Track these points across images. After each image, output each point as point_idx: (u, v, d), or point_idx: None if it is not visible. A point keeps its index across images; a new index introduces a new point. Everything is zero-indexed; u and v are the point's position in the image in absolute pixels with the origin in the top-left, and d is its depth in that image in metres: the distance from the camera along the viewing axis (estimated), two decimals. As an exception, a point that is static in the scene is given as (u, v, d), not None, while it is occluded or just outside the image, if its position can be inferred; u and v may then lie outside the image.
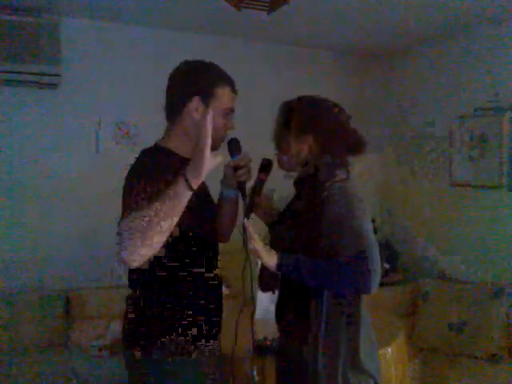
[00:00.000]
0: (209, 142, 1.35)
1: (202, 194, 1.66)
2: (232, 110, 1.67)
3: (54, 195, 3.42)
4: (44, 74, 3.21)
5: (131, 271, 1.65)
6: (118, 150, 3.58)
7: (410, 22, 3.54)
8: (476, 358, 3.13)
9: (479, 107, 3.63)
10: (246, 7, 2.46)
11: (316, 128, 1.63)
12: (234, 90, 1.67)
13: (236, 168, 1.67)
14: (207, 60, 1.69)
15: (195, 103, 1.60)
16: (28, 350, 3.09)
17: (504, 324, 3.15)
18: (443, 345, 3.28)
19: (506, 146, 3.46)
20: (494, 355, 3.09)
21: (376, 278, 1.45)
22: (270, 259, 1.54)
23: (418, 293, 3.59)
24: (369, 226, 1.51)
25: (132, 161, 1.69)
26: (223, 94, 1.62)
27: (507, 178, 3.46)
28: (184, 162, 1.58)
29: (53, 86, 3.30)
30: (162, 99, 1.83)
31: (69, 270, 3.44)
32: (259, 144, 3.83)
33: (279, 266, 1.53)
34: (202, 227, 1.67)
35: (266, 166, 1.75)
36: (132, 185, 1.50)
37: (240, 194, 1.72)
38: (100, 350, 3.06)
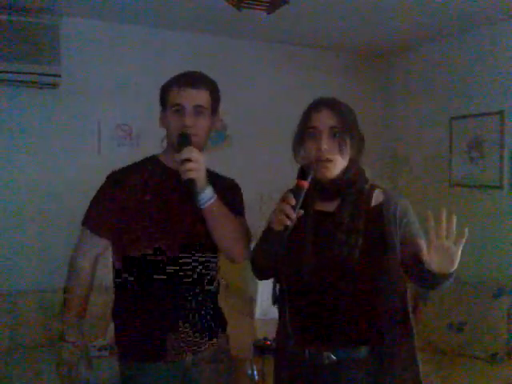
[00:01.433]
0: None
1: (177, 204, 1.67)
2: (179, 105, 1.62)
3: (54, 195, 3.42)
4: (44, 74, 3.20)
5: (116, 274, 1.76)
6: (120, 152, 3.57)
7: (410, 22, 3.54)
8: (476, 358, 3.13)
9: (479, 107, 3.64)
10: (246, 7, 2.47)
11: (355, 132, 1.57)
12: (179, 87, 1.63)
13: (181, 163, 1.54)
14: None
15: (160, 113, 1.73)
16: (28, 350, 3.10)
17: (504, 324, 3.14)
18: (443, 345, 3.28)
19: (506, 146, 3.46)
20: (494, 355, 3.09)
21: None
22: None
23: (418, 293, 3.59)
24: None
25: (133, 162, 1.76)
26: (170, 94, 1.66)
27: (507, 177, 3.46)
28: (171, 174, 1.66)
29: (53, 86, 3.30)
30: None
31: (69, 269, 3.44)
32: (259, 143, 3.86)
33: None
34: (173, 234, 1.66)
35: (305, 173, 1.48)
36: (99, 199, 1.73)
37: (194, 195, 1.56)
38: (100, 349, 3.06)
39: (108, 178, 1.74)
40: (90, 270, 1.74)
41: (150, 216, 1.63)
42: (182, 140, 1.58)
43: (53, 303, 3.24)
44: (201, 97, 1.63)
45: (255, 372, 2.13)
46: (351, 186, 1.56)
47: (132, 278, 1.67)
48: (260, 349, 2.21)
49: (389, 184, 4.48)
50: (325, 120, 1.53)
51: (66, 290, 1.74)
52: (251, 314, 2.72)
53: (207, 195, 1.56)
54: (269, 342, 2.24)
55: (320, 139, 1.52)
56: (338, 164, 1.54)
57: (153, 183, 1.67)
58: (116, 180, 1.71)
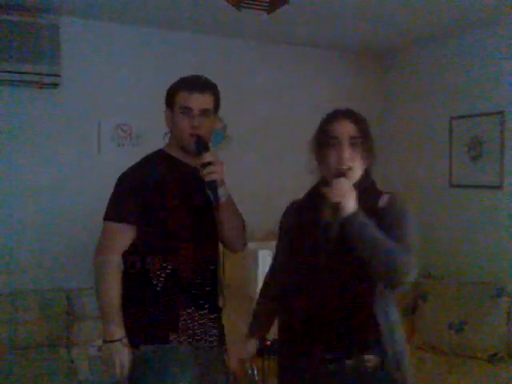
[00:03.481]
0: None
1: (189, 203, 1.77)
2: (188, 109, 1.76)
3: (54, 195, 3.42)
4: (44, 74, 3.21)
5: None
6: (120, 152, 3.56)
7: (410, 22, 3.54)
8: (476, 358, 3.13)
9: (479, 107, 3.64)
10: (246, 7, 2.46)
11: (370, 141, 1.70)
12: (190, 91, 1.76)
13: (203, 166, 1.71)
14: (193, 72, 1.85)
15: (166, 113, 1.86)
16: (28, 350, 3.09)
17: (504, 324, 3.15)
18: (443, 345, 3.28)
19: (506, 147, 3.46)
20: (494, 355, 3.10)
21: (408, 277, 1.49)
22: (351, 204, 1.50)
23: (418, 293, 3.59)
24: None
25: (133, 162, 1.78)
26: (179, 96, 1.79)
27: (507, 178, 3.46)
28: (180, 165, 1.82)
29: (53, 85, 3.30)
30: (163, 99, 1.88)
31: (69, 269, 3.44)
32: (259, 143, 3.86)
33: (351, 216, 1.49)
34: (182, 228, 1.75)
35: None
36: (120, 193, 1.77)
37: (211, 194, 1.73)
38: (100, 349, 3.06)
39: (124, 175, 1.80)
40: (120, 262, 1.75)
41: (173, 210, 1.73)
42: (200, 145, 1.74)
43: (53, 303, 3.25)
44: (206, 101, 1.79)
45: (255, 372, 2.13)
46: (365, 196, 1.61)
47: (147, 267, 1.73)
48: (260, 349, 2.21)
49: (388, 184, 4.49)
50: (345, 130, 1.64)
51: (101, 288, 1.73)
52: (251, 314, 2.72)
53: (223, 191, 1.75)
54: (269, 342, 2.24)
55: (341, 148, 1.61)
56: (357, 172, 1.64)
57: (173, 176, 1.78)
58: (134, 174, 1.78)
